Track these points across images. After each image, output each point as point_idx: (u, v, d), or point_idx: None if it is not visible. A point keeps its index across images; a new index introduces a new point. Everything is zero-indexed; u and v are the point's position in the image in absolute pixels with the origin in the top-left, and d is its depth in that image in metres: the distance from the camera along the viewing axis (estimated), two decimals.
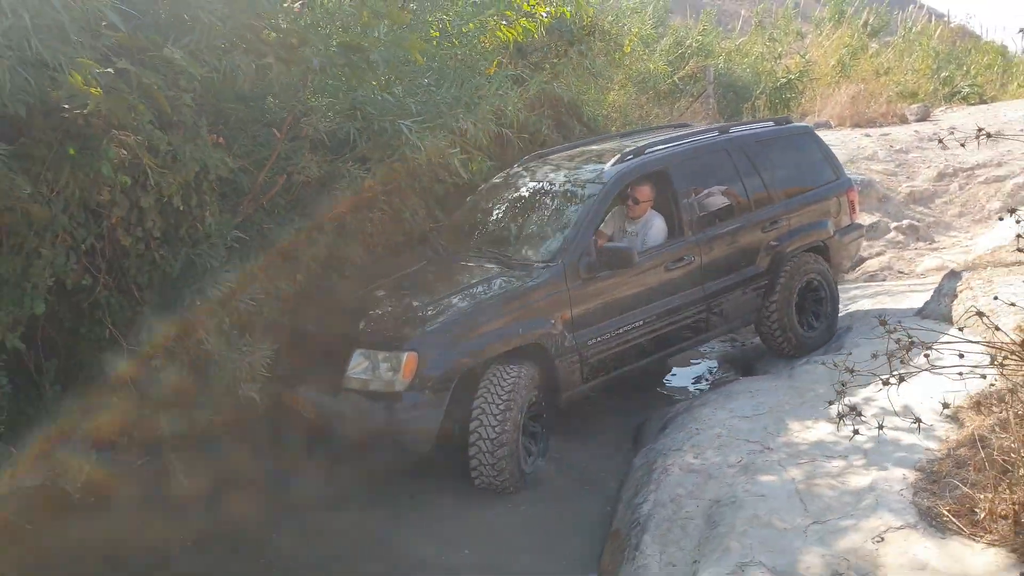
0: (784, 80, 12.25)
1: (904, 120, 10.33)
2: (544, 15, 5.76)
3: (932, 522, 2.74)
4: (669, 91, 11.21)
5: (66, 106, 2.98)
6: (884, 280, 6.86)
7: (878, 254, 7.30)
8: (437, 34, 5.23)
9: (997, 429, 2.98)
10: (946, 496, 2.83)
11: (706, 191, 4.85)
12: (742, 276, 4.92)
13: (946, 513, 2.74)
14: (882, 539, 2.73)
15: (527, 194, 4.95)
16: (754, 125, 5.69)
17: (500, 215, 5.01)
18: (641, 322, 4.48)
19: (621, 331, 4.40)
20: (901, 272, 6.89)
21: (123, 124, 3.03)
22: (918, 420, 2.36)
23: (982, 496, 2.67)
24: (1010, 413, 2.79)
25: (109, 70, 2.78)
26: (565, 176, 4.85)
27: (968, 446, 3.05)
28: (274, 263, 4.69)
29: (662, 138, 5.10)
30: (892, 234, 7.49)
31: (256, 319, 4.04)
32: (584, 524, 3.86)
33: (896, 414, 3.35)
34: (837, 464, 3.35)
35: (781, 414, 4.00)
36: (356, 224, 5.16)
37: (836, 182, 5.46)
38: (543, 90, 5.79)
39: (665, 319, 4.59)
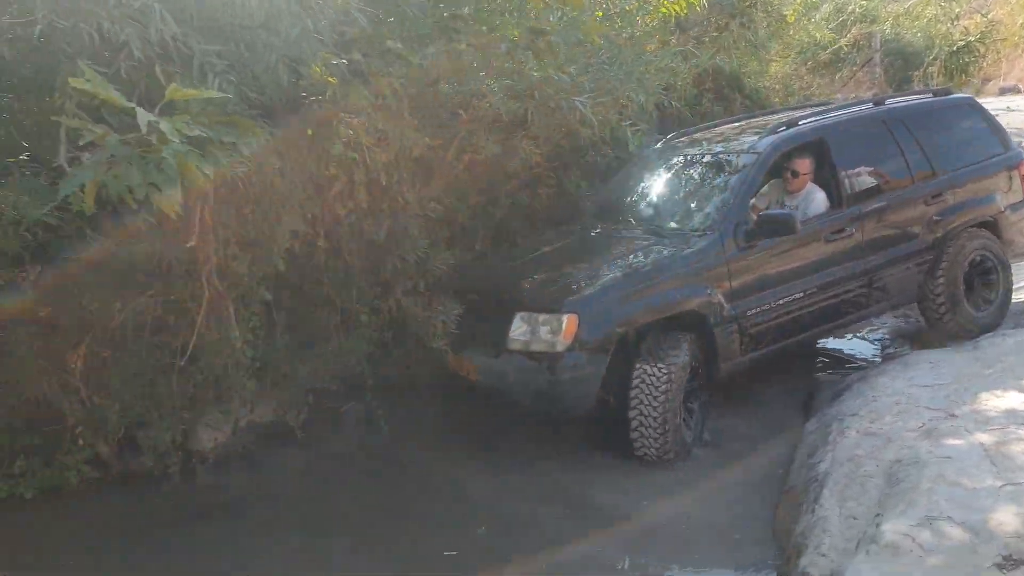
0: (962, 43, 11.45)
1: None
2: None
3: None
4: (829, 60, 10.83)
5: (304, 94, 3.54)
6: None
7: None
8: (600, 14, 5.49)
9: None
10: None
11: (854, 171, 4.81)
12: (904, 251, 4.86)
13: None
14: None
15: (678, 167, 5.07)
16: (911, 96, 5.56)
17: (651, 187, 5.16)
18: (801, 294, 4.48)
19: (781, 303, 4.42)
20: None
21: (350, 108, 3.55)
22: None
23: None
24: None
25: (344, 61, 3.28)
26: (717, 149, 4.93)
27: None
28: (455, 233, 5.19)
29: (814, 111, 5.13)
30: None
31: (446, 283, 4.52)
32: (753, 484, 4.02)
33: None
34: None
35: (966, 383, 3.97)
36: (526, 199, 5.57)
37: (1004, 155, 5.26)
38: (704, 64, 5.91)
39: (825, 292, 4.57)
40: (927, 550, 2.78)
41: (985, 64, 11.14)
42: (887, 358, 5.24)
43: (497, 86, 4.67)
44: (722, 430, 4.54)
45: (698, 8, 5.70)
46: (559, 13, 4.42)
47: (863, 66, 10.71)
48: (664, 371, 4.01)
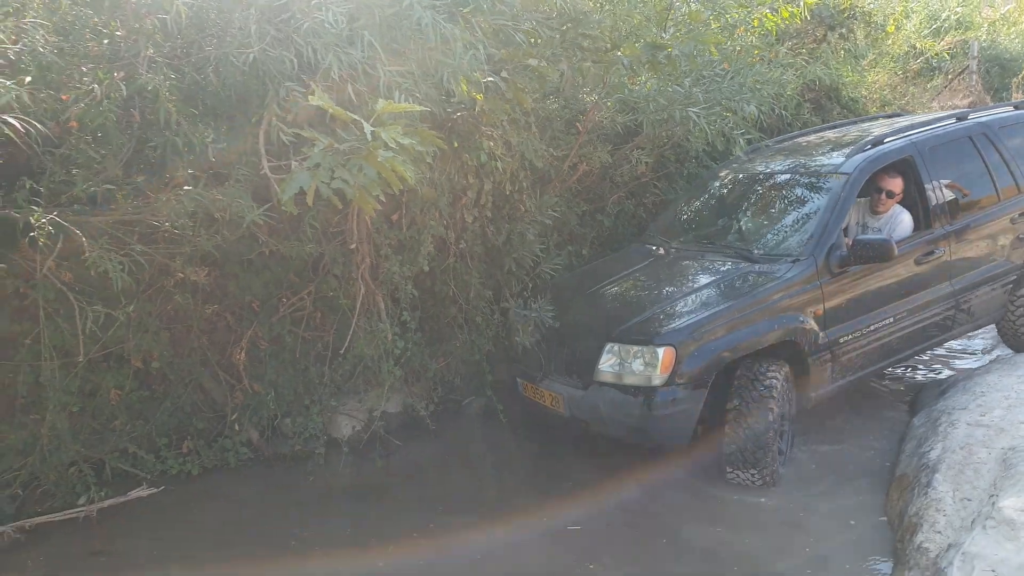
0: None
1: None
2: None
3: None
4: (920, 69, 10.85)
5: (448, 110, 4.04)
6: None
7: None
8: (715, 26, 5.79)
9: None
10: None
11: (940, 186, 4.74)
12: (991, 271, 4.88)
13: None
14: None
15: (759, 186, 4.95)
16: (992, 110, 5.50)
17: (729, 207, 5.04)
18: (892, 319, 4.47)
19: (871, 328, 4.41)
20: None
21: (489, 122, 4.03)
22: None
23: None
24: None
25: (490, 79, 3.75)
26: (801, 166, 4.83)
27: None
28: (563, 240, 5.61)
29: (899, 127, 5.06)
30: None
31: (549, 285, 4.89)
32: (861, 476, 4.26)
33: None
34: None
35: None
36: (631, 207, 5.96)
37: None
38: (811, 75, 6.21)
39: (913, 316, 4.57)
40: None
41: None
42: (992, 360, 5.40)
43: (611, 100, 5.11)
44: (825, 427, 4.78)
45: (799, 20, 6.02)
46: (671, 28, 4.81)
47: (960, 74, 10.69)
48: (774, 372, 4.01)
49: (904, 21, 8.98)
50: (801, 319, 4.15)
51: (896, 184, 4.72)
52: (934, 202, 4.69)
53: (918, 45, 9.41)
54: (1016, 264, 4.99)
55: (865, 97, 7.15)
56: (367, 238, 4.08)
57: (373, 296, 4.22)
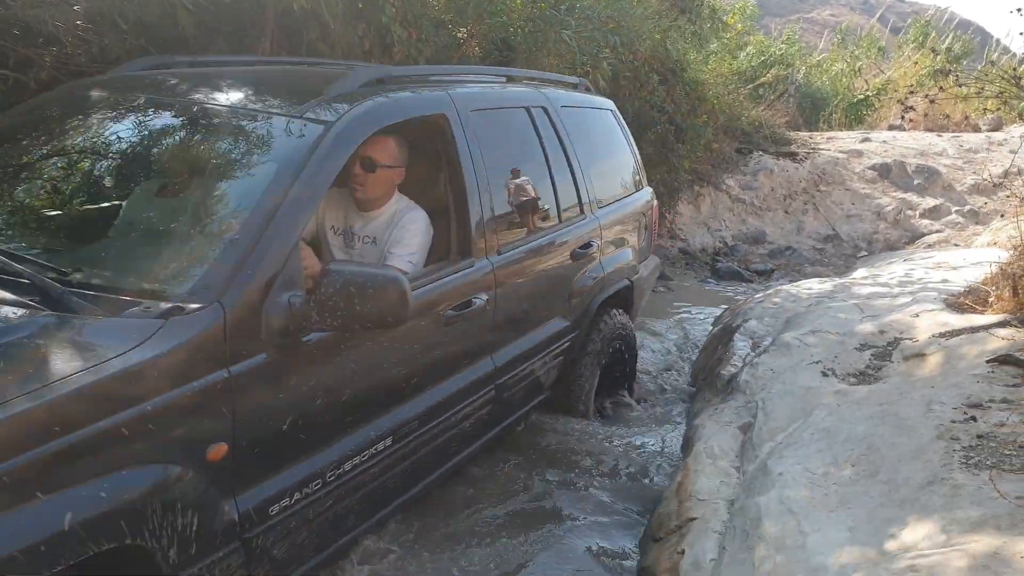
0: (861, 96, 13.63)
1: (977, 129, 11.60)
2: None
3: (954, 308, 4.07)
4: (749, 94, 12.63)
5: None
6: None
7: (937, 231, 8.56)
8: None
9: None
10: (967, 296, 4.15)
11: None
12: (545, 333, 3.32)
13: (966, 302, 4.06)
14: (917, 315, 4.06)
15: (129, 134, 2.51)
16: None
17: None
18: (386, 443, 2.41)
19: (342, 472, 2.15)
20: (957, 244, 8.11)
21: None
22: None
23: (993, 290, 3.98)
24: None
25: None
26: (231, 102, 2.54)
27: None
28: None
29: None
30: (953, 216, 8.74)
31: None
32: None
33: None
34: (888, 297, 4.69)
35: (844, 281, 5.35)
36: None
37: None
38: (654, 46, 7.27)
39: (433, 428, 2.61)
40: (810, 345, 4.01)
41: (880, 111, 13.28)
42: None
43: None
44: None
45: None
46: None
47: (780, 96, 12.56)
48: None
49: (741, 17, 10.51)
50: (170, 472, 1.73)
51: (393, 155, 2.70)
52: (478, 207, 2.76)
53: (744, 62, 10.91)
54: (570, 323, 3.46)
55: (706, 82, 8.41)
56: None
57: None
